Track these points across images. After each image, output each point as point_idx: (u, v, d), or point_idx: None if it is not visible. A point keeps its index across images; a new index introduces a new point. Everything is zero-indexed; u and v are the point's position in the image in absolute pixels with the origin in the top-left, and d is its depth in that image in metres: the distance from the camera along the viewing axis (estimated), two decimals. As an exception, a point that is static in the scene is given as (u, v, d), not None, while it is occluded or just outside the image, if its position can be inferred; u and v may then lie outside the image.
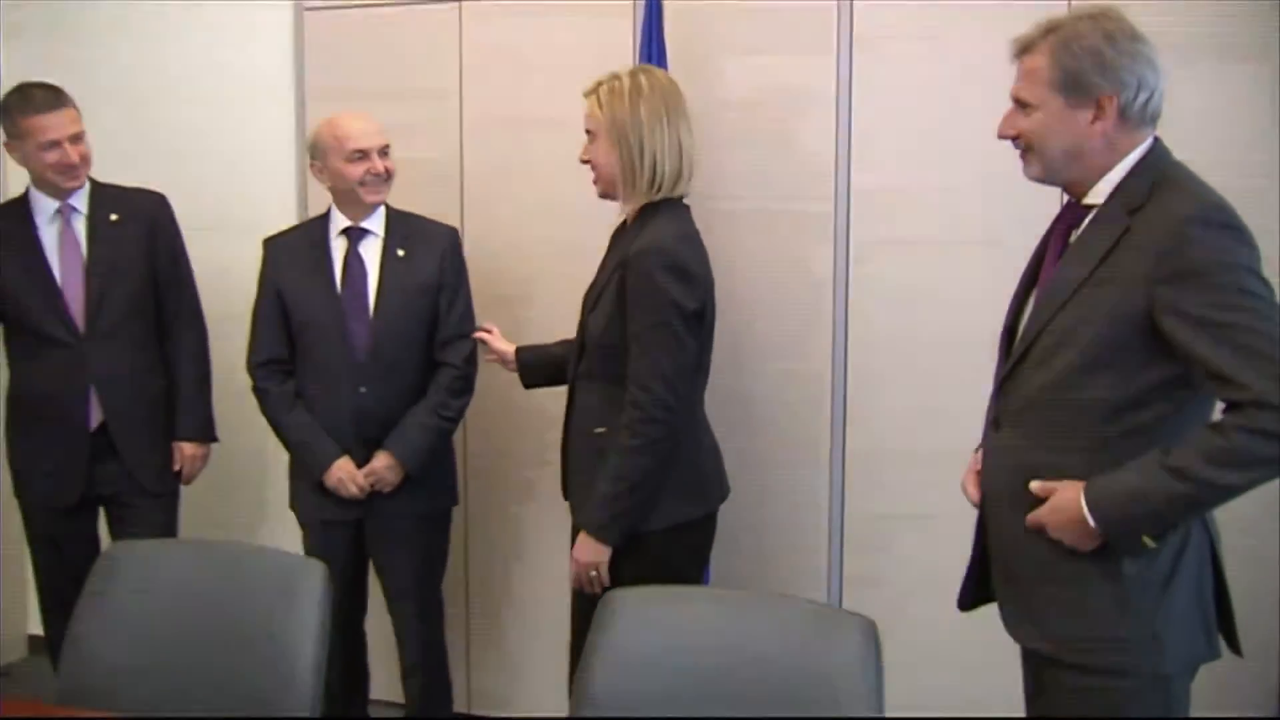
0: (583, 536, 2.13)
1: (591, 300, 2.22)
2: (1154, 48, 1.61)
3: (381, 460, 2.51)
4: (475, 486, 2.97)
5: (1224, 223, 1.52)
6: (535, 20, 2.79)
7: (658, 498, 2.11)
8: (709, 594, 1.85)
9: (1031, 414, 1.66)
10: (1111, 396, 1.58)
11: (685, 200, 2.21)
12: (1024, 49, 1.66)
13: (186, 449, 2.74)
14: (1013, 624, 1.74)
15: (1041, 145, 1.65)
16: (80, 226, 2.64)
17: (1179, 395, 1.57)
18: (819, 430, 2.65)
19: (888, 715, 1.55)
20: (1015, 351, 1.69)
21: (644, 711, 1.59)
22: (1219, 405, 1.56)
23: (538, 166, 2.82)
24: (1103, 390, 1.58)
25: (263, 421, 2.59)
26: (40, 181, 2.61)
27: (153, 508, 2.70)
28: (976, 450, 1.84)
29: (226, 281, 2.89)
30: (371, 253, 2.56)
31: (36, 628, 3.27)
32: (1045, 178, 1.69)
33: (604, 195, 2.21)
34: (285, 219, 2.97)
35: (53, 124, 2.52)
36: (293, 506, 2.65)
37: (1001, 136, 1.71)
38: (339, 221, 2.56)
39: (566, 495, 2.28)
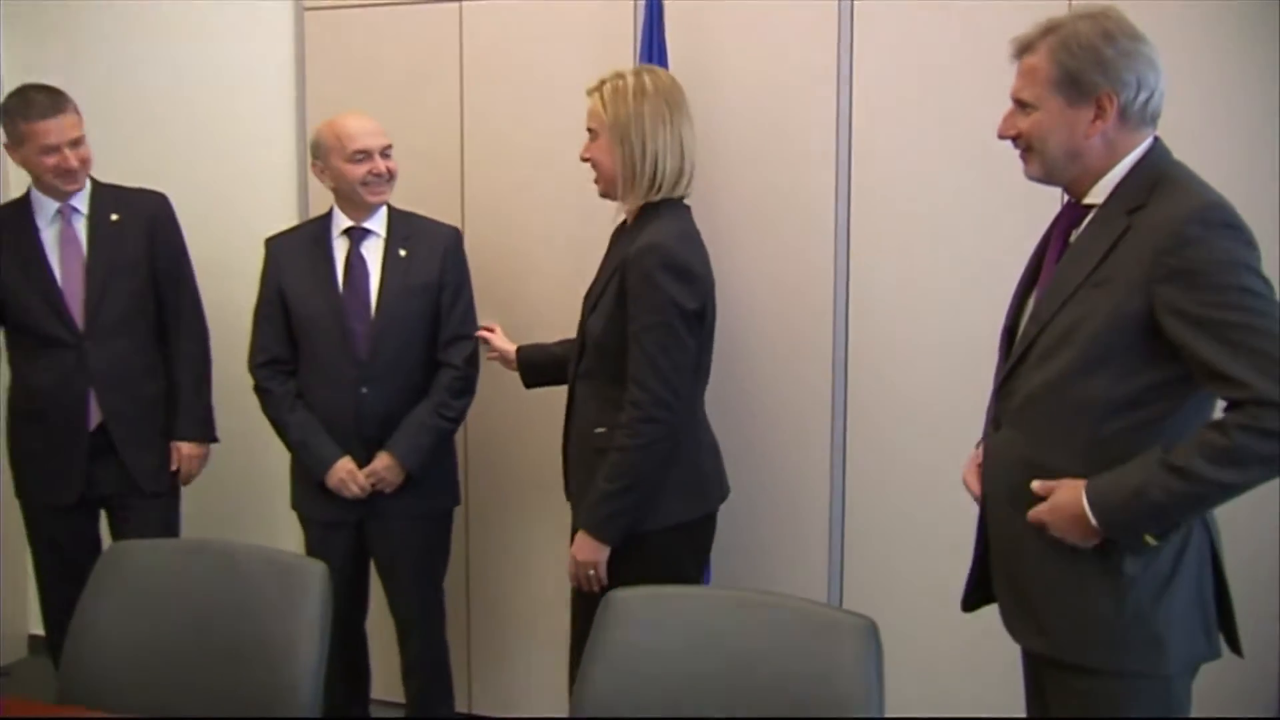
0: (581, 535, 2.13)
1: (592, 300, 2.22)
2: (1154, 47, 1.61)
3: (383, 461, 2.51)
4: (476, 486, 2.98)
5: (1224, 222, 1.52)
6: (535, 20, 2.79)
7: (657, 497, 2.12)
8: (709, 594, 1.85)
9: (1032, 413, 1.66)
10: (1112, 396, 1.58)
11: (686, 200, 2.21)
12: (1023, 49, 1.66)
13: (184, 449, 2.74)
14: (1013, 624, 1.74)
15: (1041, 145, 1.65)
16: (81, 227, 2.64)
17: (1179, 394, 1.57)
18: (819, 430, 2.65)
19: (888, 715, 1.55)
20: (1015, 351, 1.69)
21: (644, 712, 1.59)
22: (1219, 404, 1.56)
23: (538, 166, 2.82)
24: (1103, 390, 1.58)
25: (264, 421, 2.59)
26: (40, 183, 2.62)
27: (153, 508, 2.70)
28: (977, 445, 1.84)
29: (228, 281, 2.89)
30: (373, 253, 2.56)
31: (37, 628, 3.28)
32: (1045, 178, 1.69)
33: (604, 194, 2.21)
34: (286, 219, 2.97)
35: (52, 129, 2.52)
36: (294, 506, 2.66)
37: (1001, 137, 1.71)
38: (341, 221, 2.56)
39: (567, 495, 2.29)
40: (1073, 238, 1.67)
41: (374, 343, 2.51)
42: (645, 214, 2.15)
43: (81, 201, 2.65)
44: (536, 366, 2.48)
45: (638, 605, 1.67)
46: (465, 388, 2.59)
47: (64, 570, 2.65)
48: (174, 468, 2.73)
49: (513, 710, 3.02)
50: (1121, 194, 1.61)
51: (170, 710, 1.71)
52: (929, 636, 2.53)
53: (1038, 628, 1.68)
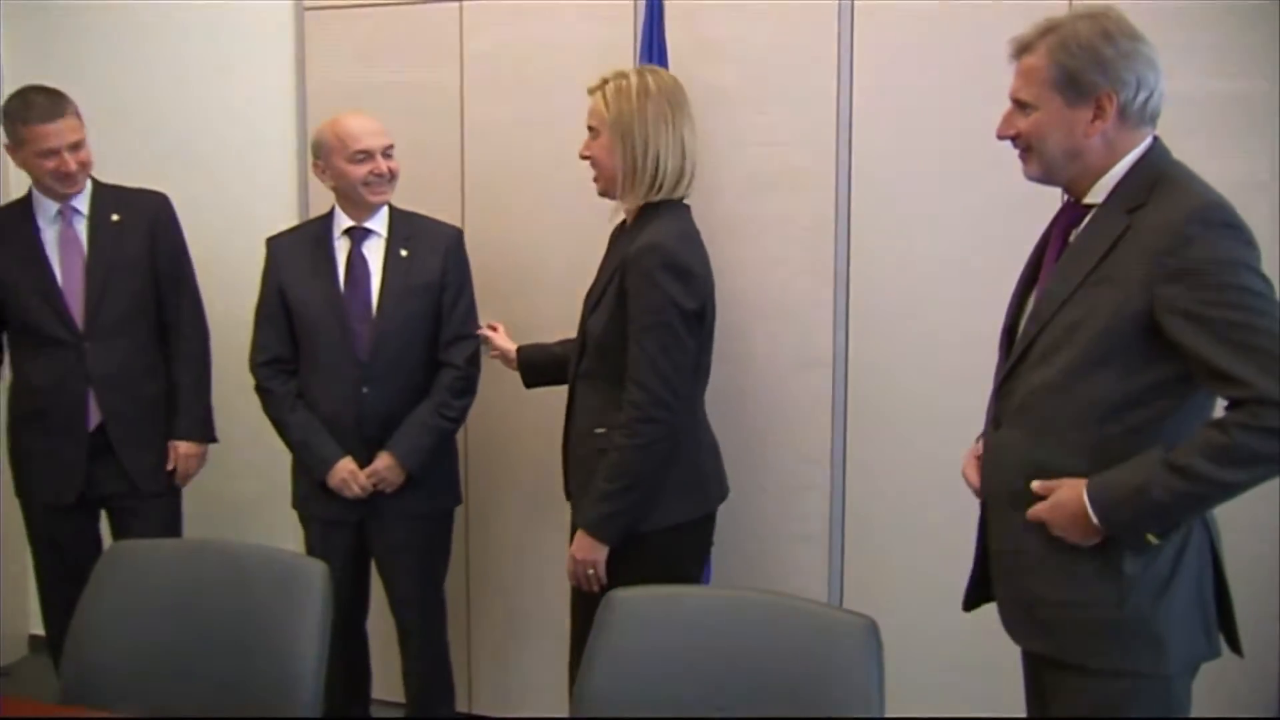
0: (580, 534, 2.14)
1: (592, 300, 2.22)
2: (1153, 47, 1.61)
3: (383, 461, 2.51)
4: (477, 486, 2.98)
5: (1224, 221, 1.52)
6: (535, 20, 2.79)
7: (657, 497, 2.12)
8: (709, 594, 1.85)
9: (1032, 413, 1.66)
10: (1112, 395, 1.58)
11: (686, 201, 2.21)
12: (1022, 49, 1.66)
13: (181, 448, 2.73)
14: (1013, 624, 1.74)
15: (1041, 145, 1.65)
16: (82, 227, 2.65)
17: (1179, 393, 1.57)
18: (819, 430, 2.65)
19: (888, 715, 1.55)
20: (1015, 351, 1.69)
21: (644, 712, 1.59)
22: (1220, 403, 1.56)
23: (538, 166, 2.82)
24: (1103, 389, 1.58)
25: (265, 421, 2.59)
26: (40, 184, 2.62)
27: (154, 508, 2.70)
28: (977, 439, 1.84)
29: (228, 281, 2.89)
30: (374, 253, 2.56)
31: (37, 628, 3.28)
32: (1045, 177, 1.69)
33: (603, 193, 2.21)
34: (286, 219, 2.97)
35: (51, 133, 2.52)
36: (295, 506, 2.66)
37: (1001, 137, 1.71)
38: (342, 221, 2.56)
39: (567, 495, 2.29)
40: (1072, 237, 1.67)
41: (375, 343, 2.51)
42: (645, 214, 2.15)
43: (82, 202, 2.65)
44: (537, 366, 2.48)
45: (638, 605, 1.67)
46: (466, 388, 2.59)
47: (64, 570, 2.65)
48: (170, 467, 2.73)
49: (513, 710, 3.02)
50: (1121, 193, 1.61)
51: (170, 710, 1.71)
52: (929, 636, 2.53)
53: (1038, 628, 1.68)
